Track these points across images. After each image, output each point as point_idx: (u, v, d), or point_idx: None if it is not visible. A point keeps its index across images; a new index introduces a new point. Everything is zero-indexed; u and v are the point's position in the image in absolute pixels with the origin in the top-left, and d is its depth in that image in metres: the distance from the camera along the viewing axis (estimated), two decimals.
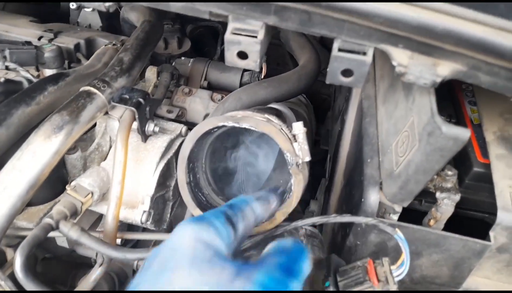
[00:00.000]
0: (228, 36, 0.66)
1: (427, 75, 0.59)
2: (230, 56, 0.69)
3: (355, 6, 0.54)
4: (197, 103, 1.15)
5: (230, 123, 0.72)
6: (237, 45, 0.67)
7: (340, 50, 0.64)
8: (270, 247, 0.53)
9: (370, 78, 0.98)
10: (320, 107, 1.66)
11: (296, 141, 0.72)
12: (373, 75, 0.99)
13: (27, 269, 0.69)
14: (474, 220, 0.88)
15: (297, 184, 0.72)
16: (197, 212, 0.77)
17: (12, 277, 0.74)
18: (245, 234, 0.54)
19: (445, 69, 0.60)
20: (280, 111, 1.05)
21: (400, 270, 0.67)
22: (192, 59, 1.33)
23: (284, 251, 0.51)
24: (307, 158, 0.72)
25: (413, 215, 0.86)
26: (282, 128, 0.75)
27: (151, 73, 1.22)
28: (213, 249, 0.45)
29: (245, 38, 0.66)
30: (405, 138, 0.71)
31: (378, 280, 0.66)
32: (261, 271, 0.44)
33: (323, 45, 1.56)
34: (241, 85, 1.31)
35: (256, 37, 0.66)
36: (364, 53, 0.64)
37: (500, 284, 0.90)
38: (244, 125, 0.71)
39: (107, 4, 0.64)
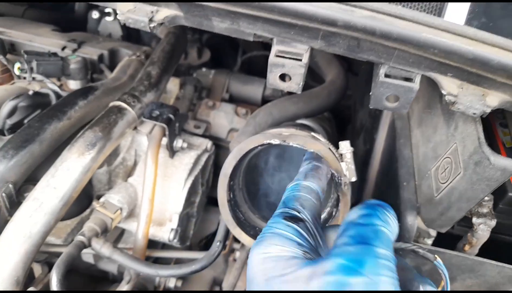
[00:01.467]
0: (272, 58, 0.66)
1: (477, 105, 0.58)
2: (273, 78, 0.68)
3: (411, 36, 0.53)
4: (222, 117, 1.14)
5: (276, 141, 0.71)
6: (281, 67, 0.66)
7: (386, 75, 0.64)
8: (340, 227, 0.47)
9: None
10: (338, 118, 1.65)
11: (343, 160, 0.71)
12: None
13: (64, 287, 0.68)
14: (507, 244, 0.87)
15: (344, 205, 0.71)
16: (237, 231, 0.76)
17: None
18: (314, 210, 0.50)
19: (495, 100, 0.59)
20: (312, 128, 1.04)
21: None
22: (213, 71, 1.32)
23: (351, 222, 0.45)
24: (354, 178, 0.71)
25: (444, 238, 0.85)
26: (330, 148, 0.74)
27: (173, 85, 1.21)
28: (283, 260, 0.42)
29: (289, 61, 0.65)
30: (446, 164, 0.70)
31: None
32: (333, 257, 0.39)
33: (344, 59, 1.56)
34: (263, 98, 1.30)
35: (301, 60, 0.65)
36: (411, 80, 0.63)
37: None
38: (292, 143, 0.70)
39: (152, 24, 0.63)
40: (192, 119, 1.14)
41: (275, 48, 0.66)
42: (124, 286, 0.86)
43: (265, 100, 1.28)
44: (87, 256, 0.95)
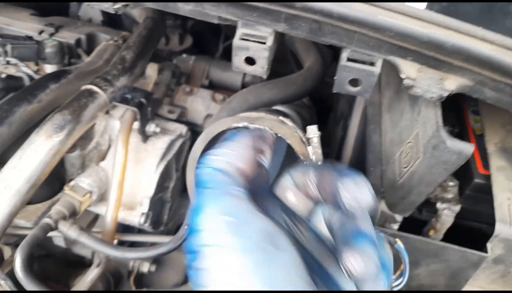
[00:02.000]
0: (236, 41, 0.66)
1: (434, 89, 0.59)
2: (238, 61, 0.68)
3: (366, 19, 0.54)
4: (199, 103, 1.14)
5: (244, 124, 0.71)
6: (245, 50, 0.66)
7: (349, 59, 0.64)
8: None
9: (376, 85, 0.98)
10: (321, 106, 1.65)
11: (310, 145, 0.71)
12: (378, 82, 0.99)
13: (28, 269, 0.69)
14: (472, 230, 0.89)
15: None
16: None
17: (11, 276, 0.74)
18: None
19: (452, 83, 0.60)
20: (287, 113, 1.04)
21: (399, 280, 0.68)
22: (194, 57, 1.32)
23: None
24: (320, 162, 0.72)
25: (412, 223, 0.86)
26: (296, 131, 0.75)
27: (152, 70, 1.20)
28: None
29: (253, 44, 0.65)
30: (409, 149, 0.71)
31: None
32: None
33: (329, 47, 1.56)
34: (243, 85, 1.30)
35: (264, 43, 0.65)
36: (373, 64, 0.64)
37: None
38: (260, 127, 0.71)
39: (116, 6, 0.63)
40: (169, 104, 1.14)
41: (239, 31, 0.66)
42: (94, 270, 0.87)
43: (244, 87, 1.28)
44: (58, 239, 0.96)
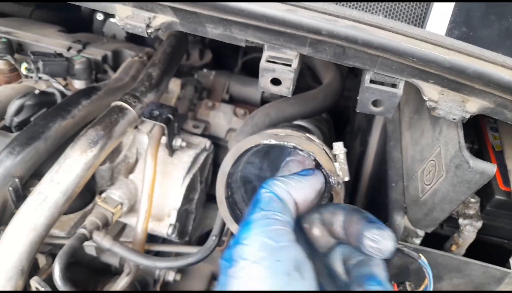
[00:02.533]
0: (263, 63, 0.69)
1: (456, 111, 0.61)
2: (264, 82, 0.71)
3: (390, 45, 0.56)
4: (221, 118, 1.17)
5: (273, 142, 0.74)
6: (272, 72, 0.69)
7: (371, 81, 0.66)
8: None
9: None
10: (338, 120, 1.67)
11: (336, 161, 0.74)
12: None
13: (66, 277, 0.73)
14: (494, 245, 0.89)
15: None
16: (235, 227, 0.79)
17: (47, 282, 0.78)
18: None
19: (474, 106, 0.62)
20: (309, 129, 1.07)
21: None
22: (214, 72, 1.36)
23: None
24: (347, 178, 0.74)
25: (434, 238, 0.88)
26: (323, 148, 0.77)
27: (174, 85, 1.25)
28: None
29: (279, 66, 0.68)
30: (431, 167, 0.73)
31: None
32: None
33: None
34: (262, 99, 1.33)
35: (290, 65, 0.68)
36: (395, 85, 0.66)
37: None
38: (288, 144, 0.73)
39: (149, 30, 0.67)
40: (192, 119, 1.18)
41: (266, 54, 0.69)
42: (124, 278, 0.90)
43: (264, 101, 1.32)
44: (89, 248, 1.00)
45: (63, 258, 0.73)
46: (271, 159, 1.01)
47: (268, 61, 0.69)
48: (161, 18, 0.69)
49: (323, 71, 1.19)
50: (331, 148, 0.79)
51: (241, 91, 1.34)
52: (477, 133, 0.99)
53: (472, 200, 0.82)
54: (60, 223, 0.92)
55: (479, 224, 0.82)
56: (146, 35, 0.69)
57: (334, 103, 1.13)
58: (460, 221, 0.82)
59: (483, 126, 1.00)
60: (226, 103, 1.23)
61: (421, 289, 0.71)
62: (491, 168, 0.60)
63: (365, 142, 1.06)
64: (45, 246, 0.90)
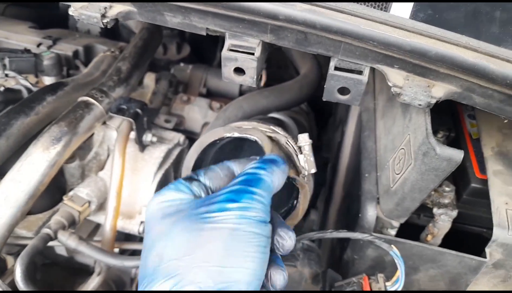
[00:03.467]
0: (225, 52, 0.67)
1: (421, 96, 0.59)
2: (227, 72, 0.69)
3: (349, 29, 0.54)
4: (196, 112, 1.15)
5: (236, 135, 0.72)
6: (234, 61, 0.67)
7: (336, 68, 0.64)
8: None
9: (370, 90, 0.98)
10: (321, 112, 1.65)
11: (301, 153, 0.72)
12: (372, 88, 0.99)
13: (28, 278, 0.70)
14: (471, 234, 0.88)
15: (303, 196, 0.72)
16: None
17: (13, 285, 0.75)
18: (217, 181, 0.57)
19: (440, 90, 0.60)
20: (282, 121, 1.05)
21: (395, 286, 0.68)
22: (191, 66, 1.33)
23: (245, 170, 0.55)
24: (313, 170, 0.72)
25: (412, 228, 0.86)
26: (288, 141, 0.75)
27: (149, 80, 1.22)
28: (178, 200, 0.51)
29: (242, 55, 0.66)
30: (401, 155, 0.71)
31: None
32: (223, 191, 0.50)
33: None
34: (240, 92, 1.31)
35: (253, 54, 0.66)
36: (360, 72, 0.64)
37: None
38: (251, 137, 0.71)
39: (105, 20, 0.64)
40: (167, 114, 1.15)
41: (228, 42, 0.67)
42: (95, 278, 0.88)
43: (242, 95, 1.29)
44: (59, 249, 0.97)
45: (24, 259, 0.71)
46: (247, 155, 0.98)
47: (231, 50, 0.67)
48: (118, 8, 0.66)
49: (300, 62, 1.17)
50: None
51: (219, 84, 1.31)
52: (455, 121, 0.98)
53: (447, 189, 0.81)
54: (28, 223, 0.89)
55: (454, 213, 0.81)
56: (102, 25, 0.66)
57: (310, 94, 1.11)
58: (435, 210, 0.81)
59: (461, 113, 0.99)
60: (202, 97, 1.21)
61: (393, 280, 0.69)
62: (458, 155, 0.58)
63: (343, 133, 1.04)
64: (13, 247, 0.87)
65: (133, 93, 1.17)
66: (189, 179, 0.56)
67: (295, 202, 0.79)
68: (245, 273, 0.44)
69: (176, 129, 1.10)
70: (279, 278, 0.50)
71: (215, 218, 0.46)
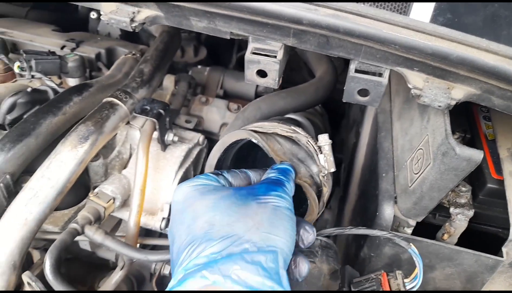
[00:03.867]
0: (248, 55, 0.69)
1: (441, 98, 0.60)
2: (250, 74, 0.71)
3: (372, 33, 0.56)
4: (214, 112, 1.18)
5: (254, 140, 0.74)
6: (257, 64, 0.69)
7: (356, 71, 0.66)
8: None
9: (386, 92, 1.00)
10: (334, 113, 1.67)
11: (321, 152, 0.74)
12: (388, 89, 1.01)
13: (57, 271, 0.73)
14: (487, 234, 0.89)
15: (323, 194, 0.74)
16: None
17: (40, 278, 0.78)
18: (237, 182, 0.65)
19: (459, 92, 0.61)
20: (299, 122, 1.07)
21: (413, 284, 0.69)
22: (208, 68, 1.36)
23: (269, 177, 0.65)
24: (332, 169, 0.74)
25: (427, 228, 0.87)
26: (308, 140, 0.77)
27: (168, 81, 1.25)
28: (211, 185, 0.59)
29: (264, 58, 0.68)
30: (420, 155, 0.73)
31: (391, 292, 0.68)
32: (258, 184, 0.62)
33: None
34: (256, 94, 1.33)
35: (275, 57, 0.68)
36: (380, 75, 0.66)
37: None
38: (265, 149, 0.74)
39: (133, 24, 0.67)
40: (186, 114, 1.18)
41: (251, 46, 0.69)
42: (118, 272, 0.91)
43: (258, 96, 1.32)
44: (84, 243, 1.00)
45: (54, 252, 0.74)
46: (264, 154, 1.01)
47: (254, 53, 0.69)
48: (146, 12, 0.69)
49: (316, 65, 1.19)
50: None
51: (235, 86, 1.34)
52: (470, 122, 0.99)
53: (464, 189, 0.82)
54: (54, 219, 0.92)
55: (471, 212, 0.82)
56: (131, 30, 0.69)
57: (326, 96, 1.13)
58: (451, 210, 0.82)
59: (476, 115, 1.00)
60: (220, 99, 1.23)
61: (411, 277, 0.71)
62: (477, 155, 0.60)
63: (358, 134, 1.06)
64: (39, 242, 0.91)
65: (153, 95, 1.20)
66: (216, 174, 0.63)
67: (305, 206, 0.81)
68: (284, 242, 0.51)
69: (195, 129, 1.13)
70: (304, 266, 0.57)
71: (260, 198, 0.55)
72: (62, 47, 1.24)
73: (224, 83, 1.33)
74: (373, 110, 0.98)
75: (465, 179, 0.91)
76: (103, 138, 0.87)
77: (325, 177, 0.76)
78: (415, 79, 0.62)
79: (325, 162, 0.75)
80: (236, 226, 0.50)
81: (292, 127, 0.82)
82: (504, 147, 0.89)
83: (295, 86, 1.12)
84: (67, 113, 0.91)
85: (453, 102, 0.61)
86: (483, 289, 0.89)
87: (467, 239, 0.85)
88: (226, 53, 1.61)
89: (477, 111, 1.01)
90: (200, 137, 1.05)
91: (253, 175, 0.69)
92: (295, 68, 1.81)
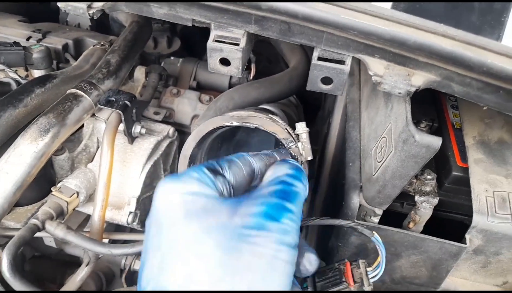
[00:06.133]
0: (210, 43, 0.68)
1: (401, 85, 0.60)
2: (213, 62, 0.70)
3: (330, 19, 0.55)
4: (185, 104, 1.16)
5: (235, 123, 0.73)
6: (219, 52, 0.68)
7: (319, 58, 0.66)
8: (266, 176, 0.53)
9: (355, 82, 1.00)
10: (310, 106, 1.67)
11: (299, 141, 0.73)
12: (358, 79, 1.01)
13: (14, 269, 0.71)
14: (453, 222, 0.90)
15: None
16: None
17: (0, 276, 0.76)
18: (240, 179, 0.52)
19: (419, 79, 0.61)
20: (273, 112, 1.06)
21: (376, 272, 0.69)
22: (181, 59, 1.33)
23: (278, 178, 0.51)
24: (310, 157, 0.74)
25: (396, 217, 0.88)
26: (286, 128, 0.76)
27: (139, 73, 1.22)
28: (203, 196, 0.45)
29: (227, 45, 0.67)
30: (383, 144, 0.73)
31: (354, 281, 0.68)
32: (258, 202, 0.45)
33: None
34: (230, 85, 1.32)
35: (238, 45, 0.67)
36: (343, 62, 0.66)
37: (476, 284, 0.93)
38: (250, 125, 0.72)
39: (91, 11, 0.65)
40: (157, 106, 1.16)
41: (213, 33, 0.68)
42: (83, 269, 0.89)
43: (232, 87, 1.30)
44: (48, 240, 0.98)
45: (11, 249, 0.71)
46: (240, 145, 1.00)
47: (216, 41, 0.68)
48: None
49: (289, 55, 1.18)
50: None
51: (209, 78, 1.32)
52: (438, 111, 1.00)
53: (428, 177, 0.83)
54: (16, 215, 0.89)
55: (435, 200, 0.83)
56: (89, 16, 0.67)
57: (300, 86, 1.12)
58: (416, 198, 0.83)
59: (444, 104, 1.01)
60: (192, 90, 1.22)
61: (374, 265, 0.71)
62: (436, 141, 0.60)
63: (329, 125, 1.06)
64: (1, 239, 0.88)
65: (124, 87, 1.18)
66: (213, 171, 0.49)
67: None
68: None
69: (166, 121, 1.11)
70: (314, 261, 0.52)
71: (254, 239, 0.42)
72: (28, 38, 1.20)
73: (197, 75, 1.31)
74: (343, 100, 0.99)
75: (432, 168, 0.93)
76: (66, 131, 0.84)
77: (302, 165, 0.75)
78: (376, 66, 0.62)
79: (303, 150, 0.74)
80: (219, 286, 0.40)
81: (269, 115, 0.81)
82: (470, 135, 0.90)
83: (269, 77, 1.11)
84: (28, 105, 0.88)
85: (413, 89, 0.61)
86: (449, 276, 0.90)
87: (434, 227, 0.86)
88: (200, 45, 1.58)
89: (446, 100, 1.02)
90: (170, 129, 1.04)
91: (257, 164, 0.55)
92: (272, 60, 1.80)
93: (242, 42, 0.67)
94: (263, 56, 1.74)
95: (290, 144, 0.71)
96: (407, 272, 0.89)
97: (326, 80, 0.68)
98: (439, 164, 0.94)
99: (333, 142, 1.01)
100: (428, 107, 1.01)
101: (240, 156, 0.54)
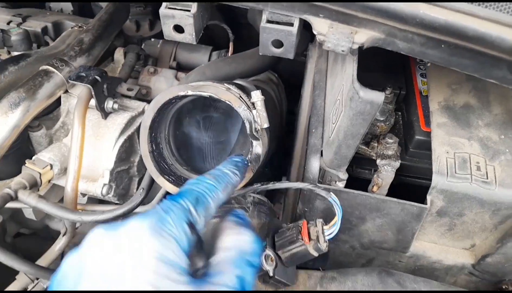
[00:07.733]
0: (162, 10, 0.70)
1: (343, 42, 0.62)
2: (168, 30, 0.72)
3: None
4: (162, 82, 1.18)
5: (190, 92, 0.75)
6: (172, 19, 0.70)
7: (268, 21, 0.67)
8: (221, 249, 0.51)
9: (323, 53, 1.01)
10: (296, 86, 1.68)
11: (255, 108, 0.75)
12: (326, 51, 1.01)
13: None
14: (418, 186, 0.91)
15: (260, 147, 0.75)
16: (161, 180, 0.81)
17: None
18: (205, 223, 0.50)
19: (362, 36, 0.62)
20: (242, 85, 1.08)
21: (331, 230, 0.71)
22: (161, 41, 1.35)
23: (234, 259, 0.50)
24: (266, 124, 0.75)
25: (366, 184, 0.89)
26: (241, 96, 0.78)
27: (119, 54, 1.25)
28: (177, 268, 0.43)
29: (178, 12, 0.69)
30: (338, 106, 0.74)
31: (310, 239, 0.70)
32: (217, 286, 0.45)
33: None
34: None
35: (189, 11, 0.69)
36: (291, 24, 0.67)
37: (445, 247, 0.94)
38: (204, 93, 0.74)
39: None
40: (134, 85, 1.18)
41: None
42: (61, 239, 0.92)
43: None
44: (27, 212, 1.02)
45: None
46: (213, 122, 1.02)
47: (169, 8, 0.70)
48: None
49: None
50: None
51: (188, 57, 1.33)
52: (407, 79, 1.00)
53: (390, 140, 0.84)
54: None
55: (397, 163, 0.84)
56: None
57: (273, 61, 1.13)
58: (378, 161, 0.84)
59: (414, 72, 1.01)
60: (169, 69, 1.24)
61: (331, 224, 0.73)
62: (379, 97, 0.61)
63: (301, 97, 1.07)
64: None
65: (105, 69, 1.20)
66: (191, 225, 0.47)
67: (249, 154, 0.82)
68: None
69: (143, 99, 1.13)
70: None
71: None
72: (9, 23, 1.22)
73: (177, 55, 1.33)
74: (312, 72, 1.00)
75: (400, 134, 0.94)
76: (36, 106, 0.87)
77: (258, 132, 0.77)
78: (321, 26, 0.63)
79: (258, 117, 0.76)
80: None
81: (225, 84, 0.83)
82: (436, 100, 0.91)
83: (242, 52, 1.13)
84: (1, 82, 0.91)
85: (356, 46, 0.62)
86: (416, 239, 0.91)
87: (402, 193, 0.87)
88: None
89: (415, 69, 1.02)
90: (145, 105, 1.06)
91: (222, 197, 0.53)
92: (255, 43, 1.80)
93: (193, 8, 0.68)
94: (246, 38, 1.75)
95: (244, 111, 0.73)
96: (374, 236, 0.90)
97: (277, 43, 0.69)
98: (406, 130, 0.94)
99: (304, 114, 1.02)
100: (398, 76, 1.02)
101: (213, 194, 0.52)
